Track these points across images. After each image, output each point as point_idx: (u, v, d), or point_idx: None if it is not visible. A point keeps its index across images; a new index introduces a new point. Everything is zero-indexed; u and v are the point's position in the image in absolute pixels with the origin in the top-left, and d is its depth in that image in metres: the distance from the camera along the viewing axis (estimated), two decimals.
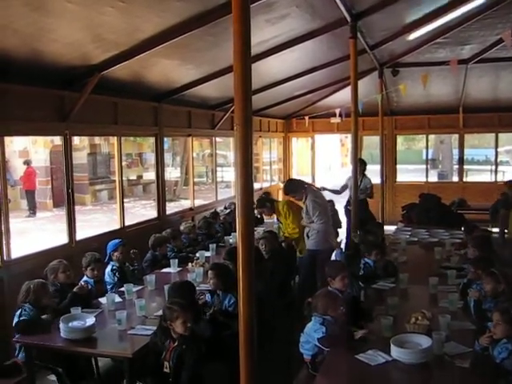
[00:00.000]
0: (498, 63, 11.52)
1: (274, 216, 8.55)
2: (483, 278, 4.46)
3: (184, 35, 5.94)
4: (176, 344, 3.98)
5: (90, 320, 4.52)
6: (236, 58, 3.17)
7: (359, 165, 9.59)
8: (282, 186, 15.53)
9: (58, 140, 14.25)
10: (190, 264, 6.55)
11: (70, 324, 4.44)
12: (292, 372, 4.23)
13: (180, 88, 8.54)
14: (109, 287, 5.84)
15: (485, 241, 6.01)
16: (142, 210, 17.91)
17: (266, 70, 8.94)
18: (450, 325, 4.12)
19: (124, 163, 18.04)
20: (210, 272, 5.08)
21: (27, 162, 18.51)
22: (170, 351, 3.98)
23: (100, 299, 5.29)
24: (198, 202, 11.11)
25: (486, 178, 15.82)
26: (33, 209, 18.14)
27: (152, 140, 8.96)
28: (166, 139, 10.53)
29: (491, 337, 3.53)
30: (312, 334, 3.99)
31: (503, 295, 4.23)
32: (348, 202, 10.13)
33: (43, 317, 4.65)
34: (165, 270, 6.54)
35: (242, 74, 3.17)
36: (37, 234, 14.12)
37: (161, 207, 8.88)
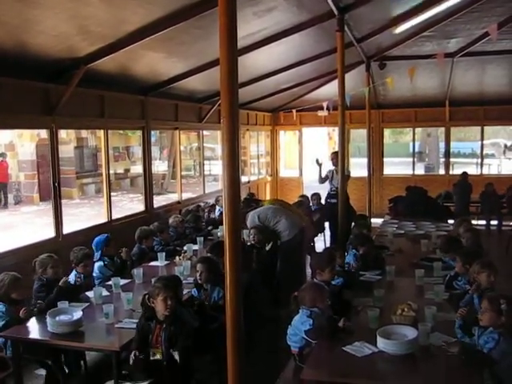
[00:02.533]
0: (483, 57, 11.59)
1: None
2: (477, 269, 4.49)
3: (170, 28, 5.92)
4: (164, 326, 3.99)
5: (77, 314, 4.50)
6: (222, 50, 3.17)
7: (336, 158, 9.64)
8: (269, 179, 15.62)
9: (44, 133, 14.13)
10: (177, 257, 6.55)
11: (57, 318, 4.42)
12: (279, 364, 4.25)
13: (167, 81, 8.51)
14: (97, 282, 5.83)
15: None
16: (129, 204, 17.85)
17: (253, 63, 8.93)
18: (436, 316, 4.16)
19: (111, 157, 17.98)
20: (199, 265, 5.05)
21: (1, 155, 18.51)
22: (157, 335, 3.99)
23: (87, 293, 5.27)
24: (186, 196, 11.10)
25: (472, 170, 15.90)
26: (5, 201, 18.19)
27: (139, 133, 8.93)
28: (153, 132, 10.50)
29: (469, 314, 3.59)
30: (299, 326, 4.01)
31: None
32: (328, 194, 10.17)
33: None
34: (152, 263, 6.54)
35: (229, 66, 3.17)
36: (23, 227, 14.04)
37: (148, 200, 8.86)
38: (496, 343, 3.47)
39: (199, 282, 5.02)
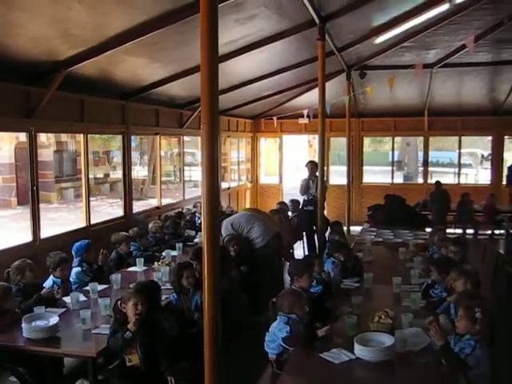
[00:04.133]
0: (461, 68, 11.79)
1: None
2: (454, 276, 4.55)
3: (152, 33, 5.92)
4: (138, 332, 3.97)
5: (54, 319, 4.45)
6: (203, 57, 3.18)
7: (312, 166, 9.71)
8: (249, 185, 15.63)
9: (23, 136, 13.97)
10: (156, 263, 6.52)
11: (33, 323, 4.37)
12: (258, 371, 4.24)
13: (148, 86, 8.50)
14: (74, 287, 5.78)
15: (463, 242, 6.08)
16: (108, 209, 17.74)
17: (234, 69, 8.96)
18: (412, 323, 4.20)
19: (91, 161, 17.86)
20: (187, 271, 5.07)
21: None
22: (133, 341, 3.96)
23: (64, 298, 5.21)
24: (166, 201, 11.06)
25: (450, 179, 16.11)
26: None
27: (119, 138, 8.89)
28: (133, 137, 10.45)
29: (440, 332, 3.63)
30: (277, 333, 4.02)
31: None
32: (305, 201, 10.20)
33: None
34: (130, 268, 6.50)
35: (209, 73, 3.19)
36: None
37: (127, 206, 8.81)
38: (472, 350, 3.52)
39: (186, 286, 5.01)
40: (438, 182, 12.63)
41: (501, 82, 12.84)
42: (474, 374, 3.51)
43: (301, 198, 10.37)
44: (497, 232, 12.39)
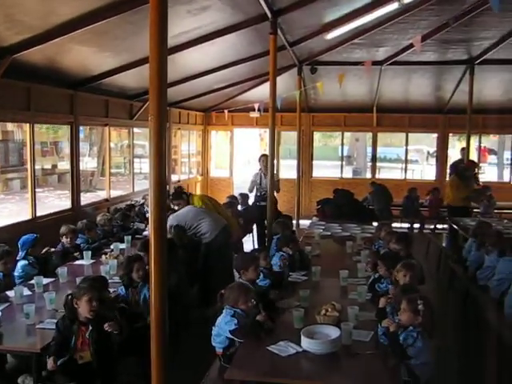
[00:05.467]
0: (409, 66, 12.07)
1: None
2: (397, 268, 4.68)
3: (102, 21, 5.81)
4: (90, 328, 3.91)
5: None
6: (152, 47, 3.14)
7: (265, 160, 9.73)
8: (199, 178, 15.57)
9: None
10: (103, 256, 6.43)
11: None
12: (206, 365, 4.24)
13: (97, 76, 8.33)
14: (18, 281, 5.63)
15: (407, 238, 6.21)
16: (56, 201, 17.30)
17: (185, 61, 8.88)
18: (358, 316, 4.28)
19: (39, 152, 17.37)
20: (138, 264, 5.02)
21: None
22: (83, 338, 3.90)
23: (8, 292, 5.08)
24: (115, 193, 10.89)
25: (397, 175, 16.48)
26: None
27: (67, 128, 8.68)
28: (82, 128, 10.24)
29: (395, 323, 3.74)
30: (223, 326, 4.02)
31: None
32: (257, 196, 10.22)
33: None
34: (77, 262, 6.39)
35: (158, 64, 3.15)
36: None
37: (75, 198, 8.63)
38: (414, 341, 3.63)
39: (136, 279, 4.98)
40: (373, 182, 12.99)
41: (446, 82, 13.23)
42: (414, 364, 3.63)
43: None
44: (440, 226, 12.77)
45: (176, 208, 7.82)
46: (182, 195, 8.02)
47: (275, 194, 10.24)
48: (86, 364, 3.90)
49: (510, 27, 9.76)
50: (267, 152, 8.66)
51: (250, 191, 10.35)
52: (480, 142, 15.81)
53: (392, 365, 3.60)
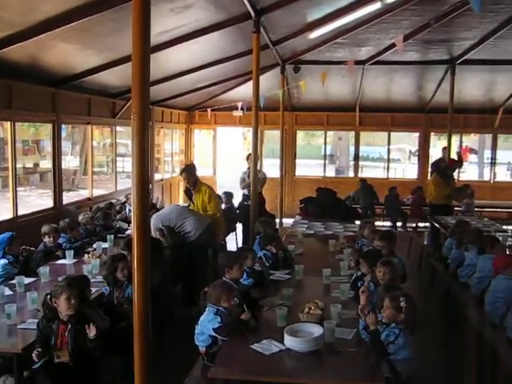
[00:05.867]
0: (391, 66, 12.15)
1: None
2: (377, 265, 4.73)
3: (85, 19, 5.77)
4: (69, 327, 3.89)
5: None
6: (135, 45, 3.13)
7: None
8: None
9: None
10: (86, 255, 6.39)
11: None
12: (190, 364, 4.24)
13: (80, 74, 8.27)
14: (0, 280, 5.58)
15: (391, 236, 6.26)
16: (38, 200, 17.12)
17: (168, 60, 8.85)
18: (341, 314, 4.31)
19: (20, 150, 17.17)
20: (122, 263, 5.01)
21: None
22: (62, 337, 3.87)
23: None
24: (98, 192, 10.82)
25: (379, 174, 16.58)
26: None
27: (49, 127, 8.60)
28: (64, 126, 10.16)
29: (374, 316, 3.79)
30: (206, 324, 4.02)
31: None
32: (245, 196, 10.23)
33: None
34: (59, 261, 6.34)
35: (141, 62, 3.14)
36: None
37: (57, 197, 8.57)
38: (395, 338, 3.67)
39: (121, 278, 4.97)
40: (361, 179, 13.24)
41: (427, 81, 13.35)
42: (396, 360, 3.67)
43: (237, 191, 10.40)
44: (422, 225, 12.89)
45: (186, 183, 7.90)
46: (195, 172, 7.99)
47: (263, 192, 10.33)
48: (62, 363, 3.87)
49: (490, 28, 9.88)
50: (250, 151, 8.69)
51: (243, 188, 10.36)
52: (461, 142, 15.97)
53: (373, 361, 3.64)
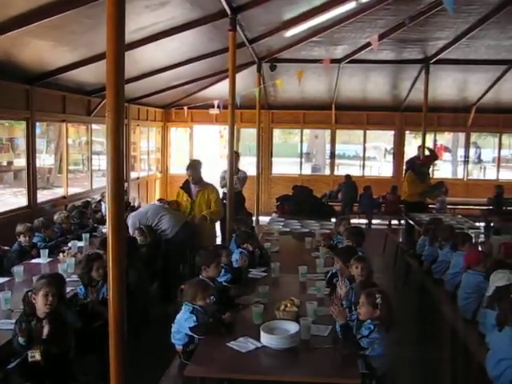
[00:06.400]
0: (367, 65, 12.25)
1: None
2: (352, 262, 4.78)
3: (59, 15, 5.71)
4: (43, 324, 3.85)
5: None
6: (109, 43, 3.11)
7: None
8: (159, 175, 15.44)
9: None
10: (61, 254, 6.33)
11: None
12: (166, 362, 4.24)
13: (54, 71, 8.18)
14: None
15: (358, 233, 6.34)
16: (12, 198, 16.88)
17: (144, 57, 8.79)
18: (317, 311, 4.34)
19: None
20: (97, 262, 4.96)
21: None
22: (39, 335, 3.84)
23: None
24: (73, 191, 10.72)
25: (355, 172, 16.68)
26: None
27: (24, 124, 8.49)
28: (38, 124, 10.04)
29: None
30: (182, 323, 4.01)
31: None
32: (226, 195, 10.19)
33: None
34: (34, 260, 6.27)
35: (115, 59, 3.12)
36: None
37: (32, 195, 8.46)
38: (369, 332, 3.72)
39: (96, 278, 4.94)
40: (347, 175, 13.29)
41: (402, 80, 13.49)
42: (371, 356, 3.71)
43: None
44: (397, 222, 13.05)
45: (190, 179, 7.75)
46: (201, 168, 7.87)
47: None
48: (37, 363, 3.82)
49: (463, 28, 10.03)
50: (226, 149, 8.66)
51: (222, 187, 10.31)
52: (435, 140, 16.17)
53: (346, 354, 3.67)
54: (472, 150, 18.30)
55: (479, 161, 23.24)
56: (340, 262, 5.12)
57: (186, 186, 7.85)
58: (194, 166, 7.82)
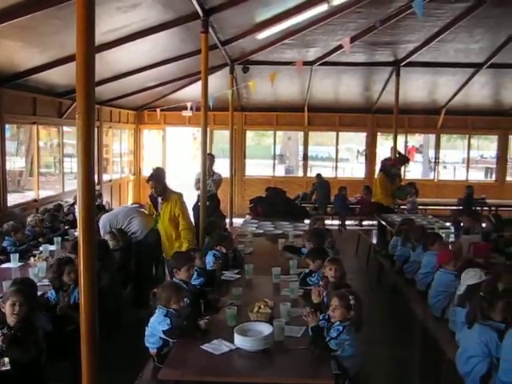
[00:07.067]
0: (339, 67, 12.36)
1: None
2: (325, 264, 4.82)
3: (28, 15, 5.64)
4: (12, 332, 3.80)
5: None
6: (79, 43, 3.10)
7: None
8: (132, 178, 15.33)
9: None
10: (32, 258, 6.24)
11: None
12: (139, 366, 4.21)
13: (24, 72, 8.06)
14: None
15: (318, 234, 6.41)
16: None
17: (116, 59, 8.73)
18: (290, 312, 4.35)
19: None
20: (69, 266, 4.91)
21: None
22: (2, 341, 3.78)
23: None
24: (45, 193, 10.55)
25: (328, 173, 16.79)
26: None
27: None
28: (8, 127, 9.88)
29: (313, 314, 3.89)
30: (156, 326, 3.99)
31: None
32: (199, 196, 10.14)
33: None
34: (4, 265, 6.16)
35: (85, 61, 3.11)
36: None
37: (1, 198, 8.30)
38: (338, 334, 3.74)
39: (68, 282, 4.89)
40: (318, 174, 13.44)
41: (374, 82, 13.65)
42: (342, 356, 3.74)
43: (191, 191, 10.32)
44: (369, 223, 13.19)
45: (152, 191, 7.03)
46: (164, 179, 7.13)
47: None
48: (6, 372, 3.76)
49: (432, 31, 10.21)
50: (199, 151, 8.60)
51: (197, 189, 10.22)
52: (406, 141, 16.38)
53: (316, 355, 3.69)
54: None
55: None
56: (311, 262, 5.20)
57: (152, 196, 7.12)
58: (157, 175, 6.96)
